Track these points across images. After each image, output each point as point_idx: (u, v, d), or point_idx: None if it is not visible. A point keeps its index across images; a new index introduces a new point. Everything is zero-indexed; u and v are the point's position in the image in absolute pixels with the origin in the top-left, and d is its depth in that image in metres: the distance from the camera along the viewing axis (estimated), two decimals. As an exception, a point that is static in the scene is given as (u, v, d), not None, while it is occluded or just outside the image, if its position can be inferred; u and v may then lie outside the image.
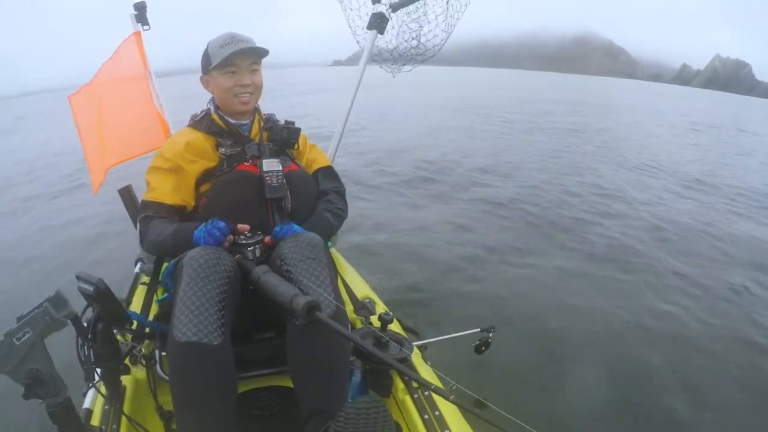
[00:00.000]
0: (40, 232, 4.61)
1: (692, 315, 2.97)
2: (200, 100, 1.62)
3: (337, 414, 0.97)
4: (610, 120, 14.70)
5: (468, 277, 3.33)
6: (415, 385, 1.33)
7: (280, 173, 1.47)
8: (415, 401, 1.28)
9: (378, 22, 2.21)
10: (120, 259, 3.35)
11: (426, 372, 1.39)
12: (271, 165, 1.48)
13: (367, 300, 1.76)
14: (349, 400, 1.23)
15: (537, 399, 2.11)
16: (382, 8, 2.21)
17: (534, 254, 3.80)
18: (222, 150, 1.51)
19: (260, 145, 1.54)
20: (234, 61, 1.47)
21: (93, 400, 1.24)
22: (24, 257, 3.91)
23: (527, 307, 2.94)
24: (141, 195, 1.55)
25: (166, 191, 1.46)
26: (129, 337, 1.39)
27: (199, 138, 1.53)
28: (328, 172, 1.72)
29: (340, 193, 1.68)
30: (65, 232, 4.56)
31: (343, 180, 1.75)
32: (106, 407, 1.22)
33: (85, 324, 1.06)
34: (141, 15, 2.55)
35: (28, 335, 0.87)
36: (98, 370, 1.15)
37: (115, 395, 1.23)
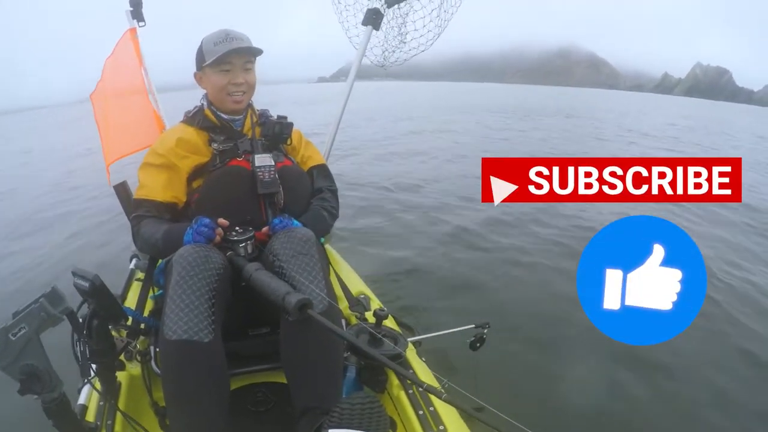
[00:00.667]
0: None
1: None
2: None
3: (332, 409, 0.98)
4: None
5: (464, 273, 3.33)
6: (409, 381, 1.34)
7: (273, 168, 1.46)
8: (409, 397, 1.29)
9: (373, 18, 2.22)
10: (115, 254, 3.34)
11: (420, 368, 1.40)
12: (263, 160, 1.47)
13: (362, 296, 1.77)
14: (344, 395, 1.24)
15: (530, 396, 2.10)
16: (377, 4, 2.22)
17: (532, 252, 3.80)
18: (214, 145, 1.50)
19: (253, 141, 1.54)
20: (228, 60, 1.46)
21: (88, 396, 1.25)
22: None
23: (523, 304, 2.93)
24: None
25: (158, 188, 1.45)
26: (124, 333, 1.38)
27: (192, 133, 1.52)
28: (323, 170, 1.72)
29: (334, 192, 1.68)
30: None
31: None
32: (101, 403, 1.22)
33: (81, 320, 1.06)
34: (136, 11, 2.55)
35: (23, 331, 0.87)
36: (93, 366, 1.15)
37: (110, 391, 1.23)
